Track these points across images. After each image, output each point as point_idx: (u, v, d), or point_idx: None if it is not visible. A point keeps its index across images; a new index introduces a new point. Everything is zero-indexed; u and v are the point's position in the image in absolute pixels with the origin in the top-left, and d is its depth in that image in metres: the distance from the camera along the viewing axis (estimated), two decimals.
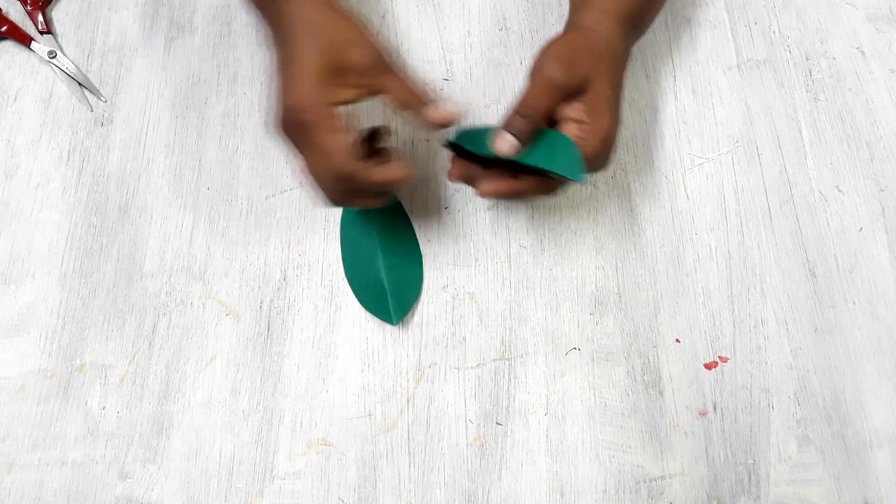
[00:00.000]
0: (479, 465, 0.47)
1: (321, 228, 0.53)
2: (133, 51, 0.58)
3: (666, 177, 0.54)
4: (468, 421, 0.48)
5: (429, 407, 0.49)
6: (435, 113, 0.43)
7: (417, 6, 0.60)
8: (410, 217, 0.53)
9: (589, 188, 0.54)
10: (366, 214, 0.52)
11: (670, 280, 0.51)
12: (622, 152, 0.55)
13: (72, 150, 0.55)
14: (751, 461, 0.47)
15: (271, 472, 0.47)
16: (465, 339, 0.50)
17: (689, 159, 0.55)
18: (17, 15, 0.59)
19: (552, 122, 0.45)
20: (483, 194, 0.45)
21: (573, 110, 0.45)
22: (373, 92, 0.44)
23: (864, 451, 0.48)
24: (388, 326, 0.50)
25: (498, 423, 0.48)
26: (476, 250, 0.52)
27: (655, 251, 0.52)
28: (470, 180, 0.46)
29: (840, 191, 0.54)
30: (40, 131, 0.56)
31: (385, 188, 0.45)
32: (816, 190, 0.54)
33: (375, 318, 0.50)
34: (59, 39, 0.59)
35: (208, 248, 0.52)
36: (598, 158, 0.45)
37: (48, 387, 0.49)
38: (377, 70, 0.44)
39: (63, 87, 0.57)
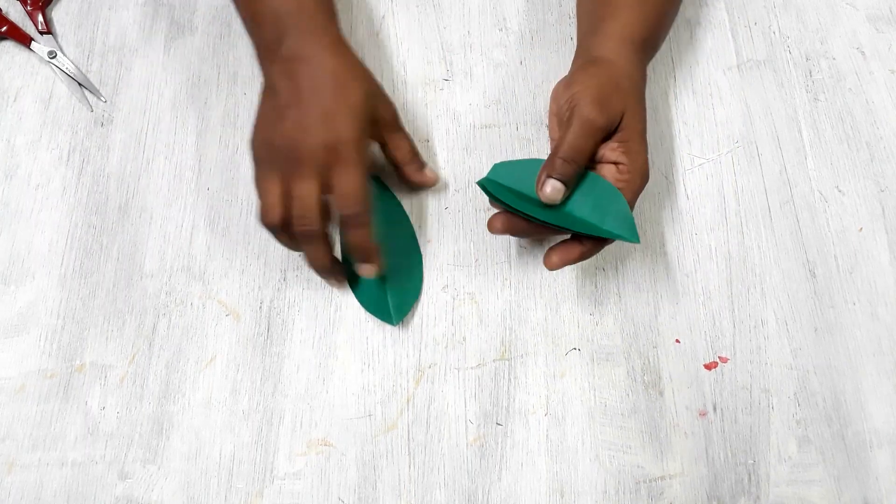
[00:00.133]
0: (479, 465, 0.47)
1: None
2: (133, 51, 0.58)
3: (666, 177, 0.54)
4: (468, 421, 0.48)
5: (429, 407, 0.49)
6: (421, 175, 0.51)
7: (417, 6, 0.60)
8: (410, 217, 0.53)
9: None
10: None
11: (670, 280, 0.51)
12: None
13: (72, 150, 0.55)
14: (751, 461, 0.47)
15: (271, 472, 0.47)
16: (465, 339, 0.50)
17: (689, 159, 0.55)
18: (17, 15, 0.59)
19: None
20: (552, 267, 0.45)
21: (611, 151, 0.45)
22: (382, 144, 0.50)
23: (864, 451, 0.48)
24: (388, 327, 0.50)
25: (498, 424, 0.48)
26: (476, 250, 0.52)
27: (655, 251, 0.52)
28: (517, 233, 0.46)
29: (840, 191, 0.54)
30: (40, 131, 0.56)
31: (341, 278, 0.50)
32: (816, 190, 0.54)
33: (375, 319, 0.50)
34: (59, 39, 0.59)
35: (208, 248, 0.52)
36: (639, 192, 0.45)
37: (48, 387, 0.49)
38: (393, 126, 0.49)
39: (63, 88, 0.57)
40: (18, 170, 0.55)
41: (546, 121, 0.55)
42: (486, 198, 0.53)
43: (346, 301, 0.51)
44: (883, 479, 0.47)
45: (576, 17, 0.54)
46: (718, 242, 0.52)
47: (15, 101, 0.57)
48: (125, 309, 0.51)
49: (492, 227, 0.46)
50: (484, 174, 0.51)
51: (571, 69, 0.49)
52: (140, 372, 0.49)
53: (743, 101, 0.56)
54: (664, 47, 0.58)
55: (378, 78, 0.57)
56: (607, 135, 0.44)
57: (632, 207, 0.44)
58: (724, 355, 0.50)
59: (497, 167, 0.46)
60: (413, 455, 0.48)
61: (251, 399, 0.49)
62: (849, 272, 0.52)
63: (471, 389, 0.49)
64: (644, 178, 0.45)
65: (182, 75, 0.57)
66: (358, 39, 0.58)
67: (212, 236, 0.53)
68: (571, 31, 0.58)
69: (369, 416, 0.48)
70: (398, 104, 0.50)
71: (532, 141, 0.55)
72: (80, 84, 0.57)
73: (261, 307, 0.51)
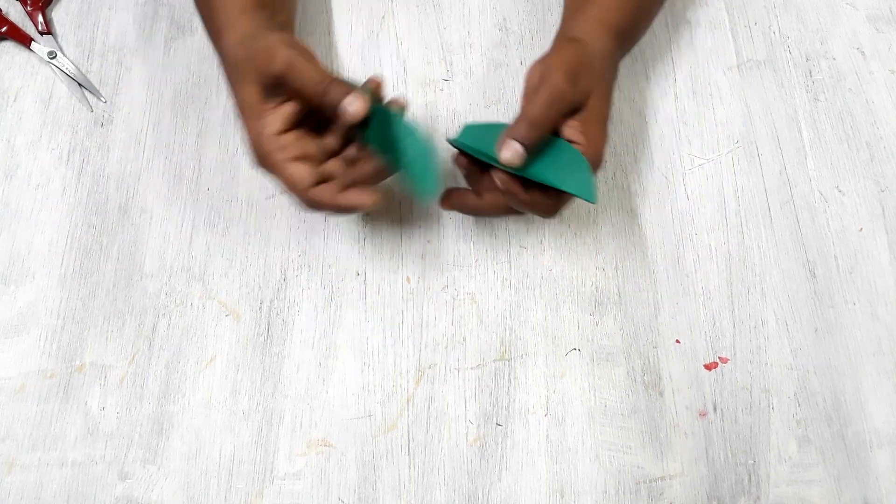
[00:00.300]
0: (479, 465, 0.47)
1: (321, 229, 0.53)
2: (133, 51, 0.58)
3: (666, 177, 0.54)
4: (468, 421, 0.48)
5: (429, 407, 0.49)
6: (345, 102, 0.42)
7: (417, 6, 0.60)
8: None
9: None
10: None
11: (670, 280, 0.51)
12: (622, 152, 0.55)
13: (72, 150, 0.55)
14: (751, 462, 0.47)
15: (271, 472, 0.47)
16: (465, 339, 0.50)
17: (689, 159, 0.55)
18: (17, 15, 0.59)
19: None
20: (442, 206, 0.46)
21: (570, 129, 0.44)
22: (306, 96, 0.44)
23: (864, 451, 0.48)
24: (387, 327, 0.50)
25: (498, 424, 0.48)
26: (476, 251, 0.52)
27: (655, 251, 0.52)
28: (468, 210, 0.47)
29: (840, 191, 0.54)
30: (40, 131, 0.56)
31: (353, 212, 0.46)
32: (816, 190, 0.54)
33: (375, 319, 0.50)
34: (59, 40, 0.59)
35: (208, 248, 0.52)
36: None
37: (48, 387, 0.49)
38: (295, 78, 0.43)
39: (63, 88, 0.57)
40: (18, 170, 0.55)
41: None
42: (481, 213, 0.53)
43: (346, 301, 0.51)
44: (883, 479, 0.47)
45: (563, 4, 0.54)
46: (718, 242, 0.52)
47: (15, 101, 0.57)
48: (125, 309, 0.51)
49: (443, 203, 0.47)
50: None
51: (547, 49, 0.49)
52: (140, 372, 0.49)
53: (743, 101, 0.56)
54: (664, 47, 0.58)
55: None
56: (571, 111, 0.44)
57: None
58: (724, 355, 0.50)
59: (468, 128, 0.47)
60: (413, 455, 0.48)
61: (251, 399, 0.49)
62: (849, 272, 0.52)
63: (471, 390, 0.49)
64: (595, 164, 0.44)
65: (182, 75, 0.57)
66: (358, 39, 0.58)
67: (212, 236, 0.53)
68: None
69: (369, 416, 0.48)
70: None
71: None
72: (80, 84, 0.57)
73: (261, 307, 0.51)
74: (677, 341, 0.50)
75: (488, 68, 0.57)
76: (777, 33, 0.59)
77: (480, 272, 0.52)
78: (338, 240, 0.52)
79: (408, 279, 0.52)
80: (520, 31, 0.59)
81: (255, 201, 0.54)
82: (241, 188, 0.54)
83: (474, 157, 0.45)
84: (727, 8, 0.60)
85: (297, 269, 0.52)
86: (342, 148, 0.47)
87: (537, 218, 0.53)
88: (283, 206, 0.53)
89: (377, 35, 0.59)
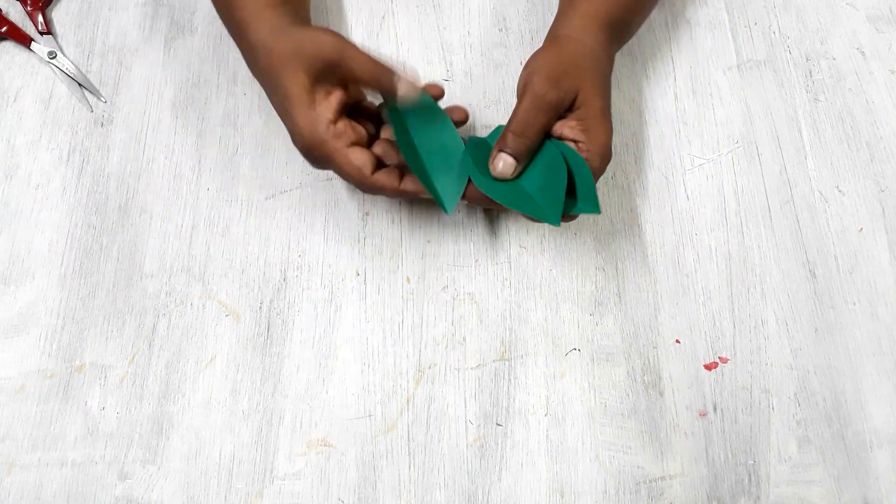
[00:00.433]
0: (479, 465, 0.47)
1: (321, 229, 0.53)
2: (133, 51, 0.58)
3: (666, 177, 0.54)
4: (468, 422, 0.48)
5: (429, 407, 0.49)
6: (397, 87, 0.44)
7: (417, 6, 0.60)
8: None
9: None
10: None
11: (670, 280, 0.51)
12: (622, 152, 0.55)
13: (72, 150, 0.55)
14: (751, 462, 0.47)
15: (271, 472, 0.47)
16: (465, 339, 0.50)
17: (689, 159, 0.55)
18: (17, 15, 0.59)
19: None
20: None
21: (569, 129, 0.45)
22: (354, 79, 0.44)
23: (864, 451, 0.48)
24: (387, 327, 0.50)
25: (498, 424, 0.48)
26: (476, 251, 0.52)
27: (655, 251, 0.52)
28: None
29: (840, 191, 0.54)
30: (40, 131, 0.56)
31: (414, 198, 0.47)
32: (816, 190, 0.54)
33: (375, 319, 0.50)
34: (59, 40, 0.59)
35: (208, 248, 0.52)
36: (598, 174, 0.45)
37: (48, 387, 0.49)
38: (348, 65, 0.43)
39: (63, 88, 0.57)
40: (18, 170, 0.55)
41: None
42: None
43: (346, 301, 0.51)
44: (883, 479, 0.47)
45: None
46: (718, 242, 0.52)
47: (15, 101, 0.57)
48: (125, 309, 0.51)
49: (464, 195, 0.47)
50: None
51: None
52: (140, 372, 0.49)
53: (743, 101, 0.56)
54: (664, 47, 0.58)
55: None
56: (561, 111, 0.45)
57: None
58: (724, 355, 0.50)
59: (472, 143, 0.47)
60: (413, 455, 0.48)
61: (251, 399, 0.49)
62: (849, 272, 0.52)
63: (471, 390, 0.49)
64: (604, 157, 0.44)
65: (182, 75, 0.57)
66: (358, 40, 0.58)
67: (212, 236, 0.53)
68: None
69: (369, 416, 0.48)
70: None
71: None
72: (80, 84, 0.57)
73: (261, 308, 0.51)
74: (677, 341, 0.50)
75: (488, 68, 0.57)
76: (777, 33, 0.59)
77: (480, 272, 0.52)
78: (338, 240, 0.52)
79: (408, 279, 0.52)
80: (520, 31, 0.59)
81: (255, 201, 0.54)
82: (241, 188, 0.54)
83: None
84: (727, 8, 0.60)
85: (297, 269, 0.52)
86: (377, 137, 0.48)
87: None
88: (283, 206, 0.53)
89: (377, 35, 0.59)
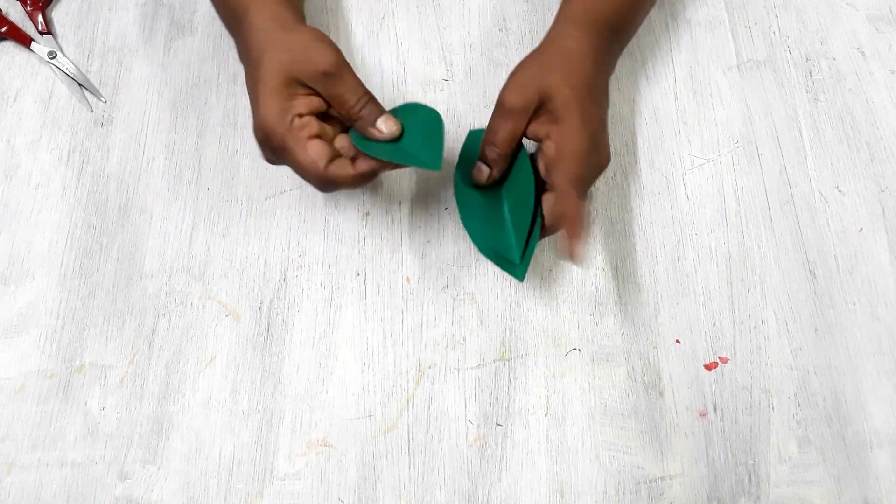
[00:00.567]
0: (479, 465, 0.47)
1: (321, 229, 0.53)
2: (133, 51, 0.58)
3: (666, 177, 0.54)
4: (468, 422, 0.48)
5: (429, 408, 0.49)
6: (375, 132, 0.44)
7: (417, 6, 0.60)
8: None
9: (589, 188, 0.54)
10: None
11: (670, 281, 0.51)
12: (622, 153, 0.55)
13: (72, 150, 0.55)
14: (751, 462, 0.47)
15: (271, 472, 0.47)
16: (465, 339, 0.50)
17: (689, 160, 0.55)
18: (17, 15, 0.59)
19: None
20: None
21: (540, 126, 0.45)
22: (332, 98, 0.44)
23: (864, 451, 0.48)
24: (387, 327, 0.50)
25: (498, 424, 0.48)
26: (476, 251, 0.52)
27: (655, 252, 0.52)
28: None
29: (840, 191, 0.54)
30: (40, 131, 0.56)
31: (369, 181, 0.45)
32: (816, 190, 0.54)
33: (375, 319, 0.50)
34: (59, 40, 0.59)
35: (208, 248, 0.52)
36: (579, 163, 0.43)
37: (48, 387, 0.49)
38: (328, 80, 0.43)
39: (63, 88, 0.57)
40: (18, 170, 0.55)
41: None
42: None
43: (346, 301, 0.51)
44: (883, 479, 0.47)
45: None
46: (718, 242, 0.52)
47: (15, 101, 0.57)
48: (125, 309, 0.51)
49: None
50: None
51: None
52: (140, 372, 0.49)
53: (743, 101, 0.56)
54: (664, 47, 0.58)
55: (378, 78, 0.57)
56: (529, 114, 0.45)
57: (582, 176, 0.43)
58: (724, 355, 0.50)
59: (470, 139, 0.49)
60: (413, 455, 0.48)
61: (251, 399, 0.49)
62: (849, 272, 0.52)
63: (471, 390, 0.49)
64: (579, 146, 0.43)
65: (182, 75, 0.57)
66: (358, 39, 0.58)
67: (212, 236, 0.53)
68: None
69: (369, 416, 0.48)
70: (399, 104, 0.50)
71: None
72: (80, 84, 0.57)
73: (261, 308, 0.51)
74: (677, 341, 0.50)
75: (488, 68, 0.57)
76: (777, 33, 0.59)
77: (480, 272, 0.52)
78: (338, 240, 0.52)
79: (408, 279, 0.52)
80: (520, 31, 0.59)
81: (255, 201, 0.54)
82: (241, 188, 0.54)
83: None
84: (727, 8, 0.60)
85: (297, 269, 0.52)
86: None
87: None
88: (283, 205, 0.53)
89: (377, 35, 0.59)
